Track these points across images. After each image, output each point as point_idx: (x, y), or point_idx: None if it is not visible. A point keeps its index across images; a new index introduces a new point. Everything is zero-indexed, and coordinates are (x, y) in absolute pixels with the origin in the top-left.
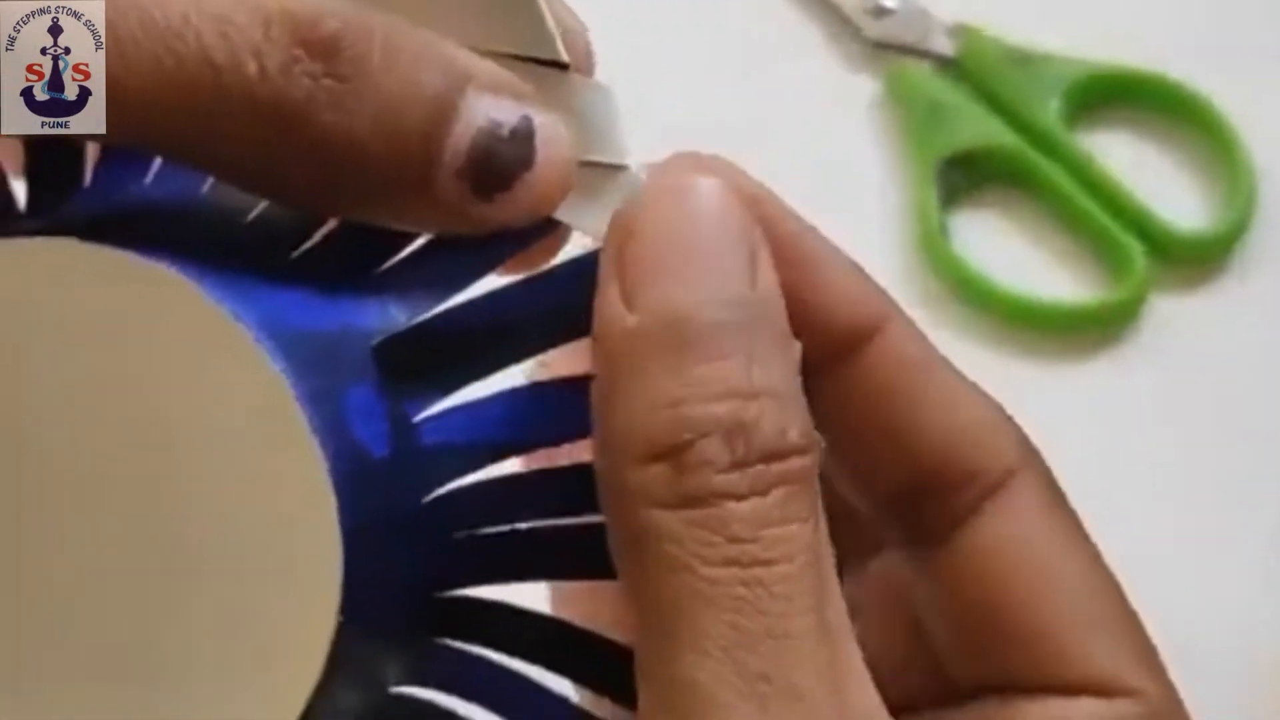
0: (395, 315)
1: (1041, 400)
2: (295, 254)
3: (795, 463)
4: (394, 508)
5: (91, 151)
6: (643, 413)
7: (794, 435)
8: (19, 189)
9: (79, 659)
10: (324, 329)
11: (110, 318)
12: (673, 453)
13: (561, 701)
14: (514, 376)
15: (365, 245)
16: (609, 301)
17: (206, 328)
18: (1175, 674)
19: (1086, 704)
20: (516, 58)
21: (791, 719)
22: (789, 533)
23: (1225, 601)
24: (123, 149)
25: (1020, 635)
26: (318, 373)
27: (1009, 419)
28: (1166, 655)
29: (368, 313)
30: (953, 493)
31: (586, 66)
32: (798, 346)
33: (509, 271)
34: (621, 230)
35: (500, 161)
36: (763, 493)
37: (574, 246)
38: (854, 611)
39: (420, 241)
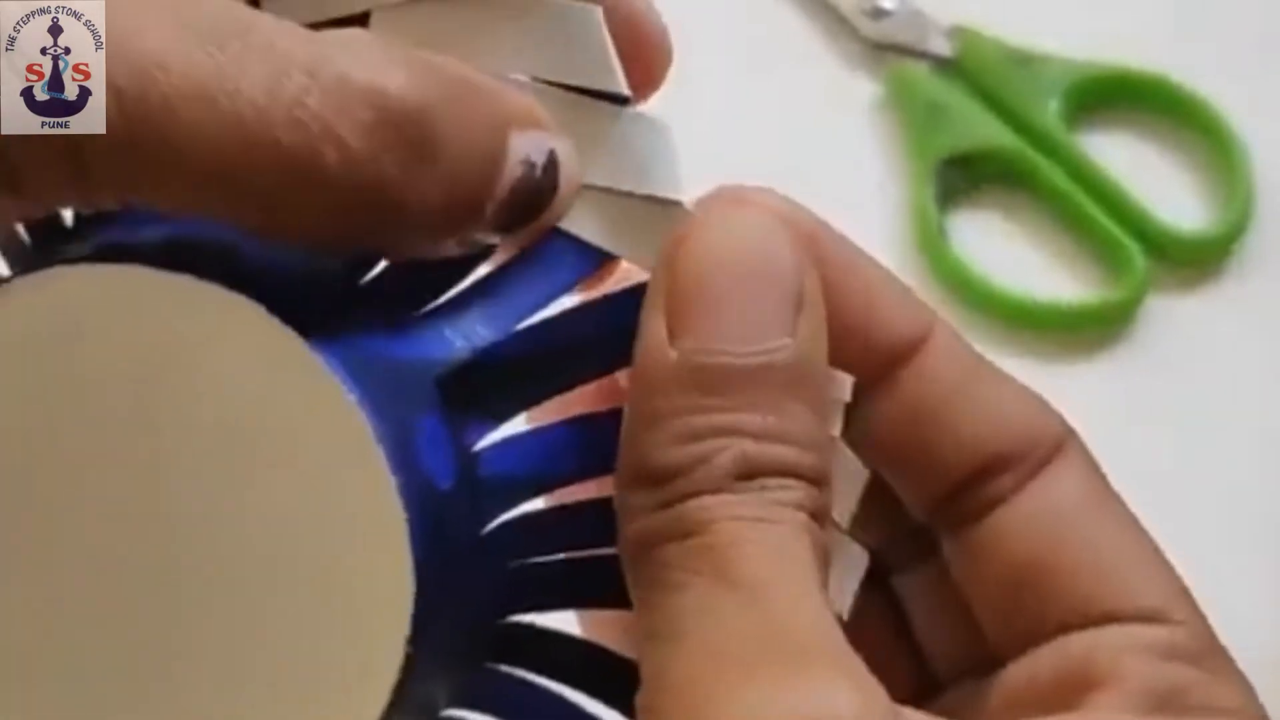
0: (457, 344)
1: None
2: (362, 281)
3: (794, 493)
4: (457, 540)
5: None
6: (655, 442)
7: (800, 470)
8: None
9: (149, 688)
10: (392, 359)
11: (182, 342)
12: (672, 479)
13: None
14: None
15: (428, 274)
16: (653, 332)
17: (281, 357)
18: None
19: (1139, 629)
20: (576, 89)
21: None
22: (779, 552)
23: (1223, 601)
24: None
25: (1076, 575)
26: (388, 404)
27: (1045, 401)
28: None
29: (432, 342)
30: (1006, 472)
31: (664, 59)
32: (845, 381)
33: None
34: (668, 261)
35: (536, 198)
36: (758, 520)
37: (627, 277)
38: (898, 606)
39: (482, 271)
